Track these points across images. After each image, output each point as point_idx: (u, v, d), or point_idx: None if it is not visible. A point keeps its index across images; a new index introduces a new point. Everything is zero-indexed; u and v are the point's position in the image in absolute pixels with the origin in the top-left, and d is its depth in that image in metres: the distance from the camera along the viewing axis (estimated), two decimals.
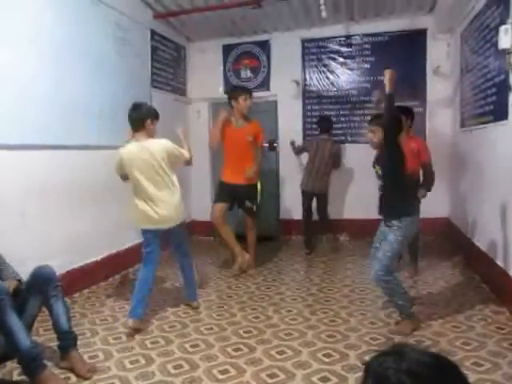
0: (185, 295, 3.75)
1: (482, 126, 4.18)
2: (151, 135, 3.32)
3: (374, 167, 3.16)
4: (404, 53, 5.85)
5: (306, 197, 5.46)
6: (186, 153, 3.47)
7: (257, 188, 4.65)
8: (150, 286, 3.39)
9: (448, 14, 4.93)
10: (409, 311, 3.06)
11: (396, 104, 3.00)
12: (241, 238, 4.79)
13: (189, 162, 3.57)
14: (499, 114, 3.62)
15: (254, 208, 4.65)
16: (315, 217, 5.56)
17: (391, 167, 3.02)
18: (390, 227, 3.04)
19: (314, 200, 5.50)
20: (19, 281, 2.68)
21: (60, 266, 3.61)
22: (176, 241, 3.56)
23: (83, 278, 4.10)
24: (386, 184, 3.08)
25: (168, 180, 3.29)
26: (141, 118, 3.25)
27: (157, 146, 3.25)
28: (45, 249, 3.55)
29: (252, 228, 4.77)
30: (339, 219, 5.98)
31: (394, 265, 3.33)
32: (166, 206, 3.27)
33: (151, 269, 3.34)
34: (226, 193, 4.58)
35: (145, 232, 3.34)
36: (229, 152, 4.62)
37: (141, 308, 3.25)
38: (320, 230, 5.77)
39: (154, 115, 3.36)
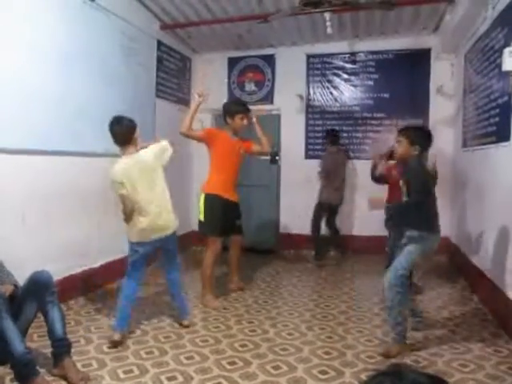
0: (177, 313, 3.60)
1: (483, 146, 4.19)
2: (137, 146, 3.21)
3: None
4: (408, 71, 5.91)
5: (322, 209, 5.65)
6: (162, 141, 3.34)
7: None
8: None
9: (452, 34, 4.98)
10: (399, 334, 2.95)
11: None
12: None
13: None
14: (501, 136, 3.63)
15: (242, 226, 4.37)
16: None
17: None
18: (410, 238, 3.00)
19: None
20: (15, 285, 2.67)
21: (57, 271, 3.60)
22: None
23: (80, 284, 4.08)
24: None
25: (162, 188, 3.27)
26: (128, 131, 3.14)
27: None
28: (43, 254, 3.55)
29: (240, 245, 4.45)
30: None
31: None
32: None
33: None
34: (224, 216, 4.03)
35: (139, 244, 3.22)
36: (225, 164, 4.11)
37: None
38: (331, 243, 5.89)
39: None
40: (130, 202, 3.09)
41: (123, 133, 3.11)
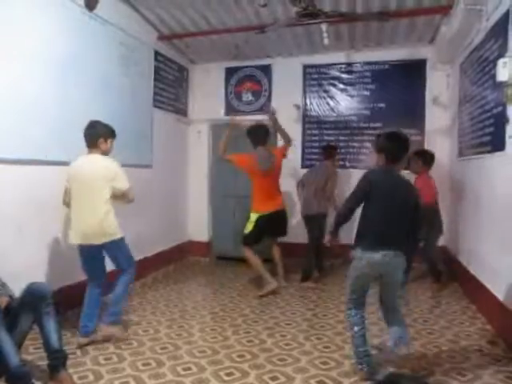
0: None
1: (479, 156, 4.22)
2: (105, 153, 3.37)
3: None
4: (404, 82, 5.96)
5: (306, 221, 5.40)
6: (126, 186, 3.34)
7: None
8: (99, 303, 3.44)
9: (448, 45, 5.03)
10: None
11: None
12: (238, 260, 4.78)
13: (126, 198, 3.40)
14: (496, 145, 3.66)
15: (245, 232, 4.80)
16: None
17: None
18: None
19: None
20: (11, 297, 2.65)
21: (53, 282, 3.59)
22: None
23: (75, 295, 4.05)
24: None
25: (98, 198, 3.23)
26: (94, 137, 3.31)
27: (100, 164, 3.28)
28: (39, 264, 3.53)
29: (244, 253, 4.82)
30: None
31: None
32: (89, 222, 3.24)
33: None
34: None
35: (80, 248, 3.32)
36: None
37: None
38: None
39: (109, 134, 3.39)
40: (67, 197, 3.30)
41: (87, 136, 3.32)
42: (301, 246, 5.38)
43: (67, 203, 3.32)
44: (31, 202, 3.57)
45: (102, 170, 3.25)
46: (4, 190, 3.34)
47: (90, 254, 3.31)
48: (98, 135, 3.31)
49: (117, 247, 3.33)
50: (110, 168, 3.28)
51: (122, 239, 3.36)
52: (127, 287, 3.48)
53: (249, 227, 4.75)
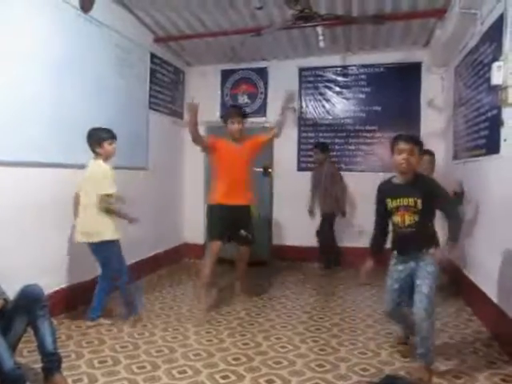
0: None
1: (474, 158, 4.24)
2: (106, 156, 3.62)
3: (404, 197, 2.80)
4: (399, 85, 5.99)
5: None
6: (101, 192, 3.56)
7: (250, 213, 4.41)
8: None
9: (442, 49, 5.06)
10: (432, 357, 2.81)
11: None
12: (232, 262, 4.76)
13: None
14: (491, 148, 3.68)
15: (250, 236, 4.40)
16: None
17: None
18: (423, 260, 2.81)
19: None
20: (5, 299, 2.62)
21: (50, 284, 3.57)
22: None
23: (71, 298, 4.04)
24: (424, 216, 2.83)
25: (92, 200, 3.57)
26: (90, 145, 3.59)
27: (91, 169, 3.60)
28: (37, 266, 3.51)
29: (244, 259, 4.54)
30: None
31: None
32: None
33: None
34: (223, 222, 4.20)
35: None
36: (225, 173, 4.26)
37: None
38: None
39: (100, 138, 3.59)
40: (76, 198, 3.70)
41: (88, 144, 3.61)
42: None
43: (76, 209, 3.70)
44: (29, 205, 3.55)
45: (91, 175, 3.58)
46: (3, 191, 3.32)
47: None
48: (90, 142, 3.59)
49: (104, 248, 3.66)
50: (96, 173, 3.56)
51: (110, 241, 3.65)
52: None
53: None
